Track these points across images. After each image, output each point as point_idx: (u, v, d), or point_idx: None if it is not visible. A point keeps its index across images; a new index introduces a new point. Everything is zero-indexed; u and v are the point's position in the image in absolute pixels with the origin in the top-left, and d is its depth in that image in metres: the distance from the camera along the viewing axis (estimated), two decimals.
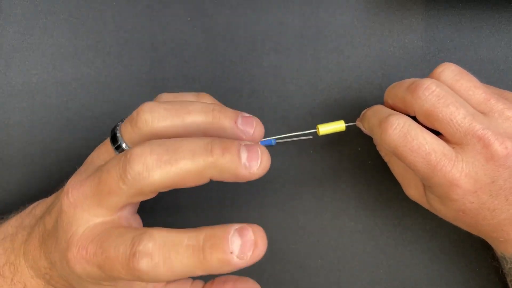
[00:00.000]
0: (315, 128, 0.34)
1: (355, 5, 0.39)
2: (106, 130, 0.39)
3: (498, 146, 0.27)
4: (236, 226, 0.22)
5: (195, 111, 0.25)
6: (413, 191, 0.33)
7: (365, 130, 0.35)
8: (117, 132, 0.26)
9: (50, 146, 0.39)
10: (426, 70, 0.39)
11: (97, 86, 0.39)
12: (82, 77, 0.39)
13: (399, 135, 0.28)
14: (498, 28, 0.39)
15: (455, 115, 0.28)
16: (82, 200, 0.24)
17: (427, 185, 0.30)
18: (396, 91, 0.31)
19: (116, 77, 0.39)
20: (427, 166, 0.28)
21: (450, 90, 0.29)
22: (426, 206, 0.33)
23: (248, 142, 0.23)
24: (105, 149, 0.28)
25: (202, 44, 0.39)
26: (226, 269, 0.22)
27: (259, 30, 0.39)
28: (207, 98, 0.29)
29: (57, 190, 0.32)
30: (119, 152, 0.26)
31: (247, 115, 0.26)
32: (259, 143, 0.25)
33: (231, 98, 0.37)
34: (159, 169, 0.22)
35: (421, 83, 0.29)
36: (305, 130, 0.39)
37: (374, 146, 0.39)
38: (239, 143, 0.22)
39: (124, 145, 0.26)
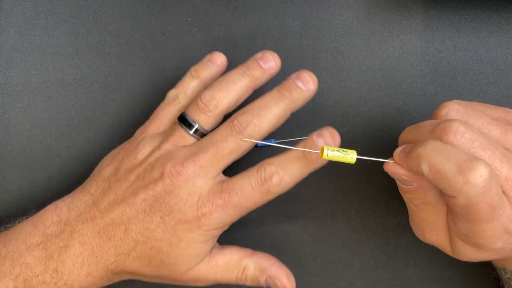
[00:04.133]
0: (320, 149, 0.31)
1: (355, 5, 0.39)
2: (106, 130, 0.39)
3: None
4: (315, 133, 0.31)
5: (235, 78, 0.32)
6: (435, 237, 0.30)
7: (399, 175, 0.28)
8: (189, 120, 0.32)
9: (50, 146, 0.39)
10: (425, 71, 0.39)
11: (97, 86, 0.39)
12: (82, 77, 0.39)
13: (485, 187, 0.24)
14: (498, 28, 0.39)
15: (493, 159, 0.26)
16: (199, 170, 0.30)
17: (470, 235, 0.27)
18: (417, 135, 0.28)
19: (116, 77, 0.39)
20: (490, 217, 0.25)
21: (477, 130, 0.27)
22: (445, 250, 0.30)
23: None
24: (180, 139, 0.32)
25: (202, 44, 0.39)
26: (324, 161, 0.31)
27: (259, 30, 0.39)
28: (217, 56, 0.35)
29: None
30: (197, 135, 0.32)
31: (259, 54, 0.33)
32: (259, 142, 0.34)
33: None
34: (265, 121, 0.31)
35: (448, 127, 0.26)
36: (305, 130, 0.39)
37: (373, 145, 0.39)
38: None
39: (201, 129, 0.32)
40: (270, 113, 0.31)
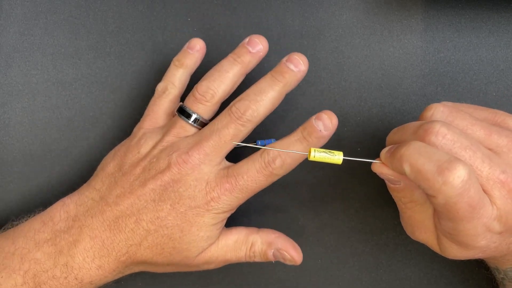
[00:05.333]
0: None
1: (355, 5, 0.39)
2: (106, 130, 0.39)
3: None
4: (314, 116, 0.32)
5: (227, 67, 0.33)
6: (424, 235, 0.31)
7: (385, 175, 0.30)
8: (188, 110, 0.33)
9: (50, 146, 0.39)
10: (425, 71, 0.39)
11: (97, 86, 0.39)
12: (82, 77, 0.39)
13: (463, 188, 0.24)
14: (498, 28, 0.39)
15: (474, 159, 0.26)
16: (204, 157, 0.32)
17: (453, 233, 0.28)
18: (402, 136, 0.29)
19: (116, 77, 0.39)
20: (471, 216, 0.26)
21: (459, 131, 0.27)
22: (433, 248, 0.31)
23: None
24: (181, 131, 0.33)
25: None
26: (323, 141, 0.32)
27: (259, 30, 0.39)
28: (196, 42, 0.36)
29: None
30: (198, 124, 0.34)
31: (246, 40, 0.34)
32: (259, 142, 0.38)
33: (231, 99, 0.37)
34: (262, 105, 0.32)
35: (430, 128, 0.27)
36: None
37: (373, 145, 0.39)
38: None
39: (201, 118, 0.33)
40: (266, 97, 0.32)
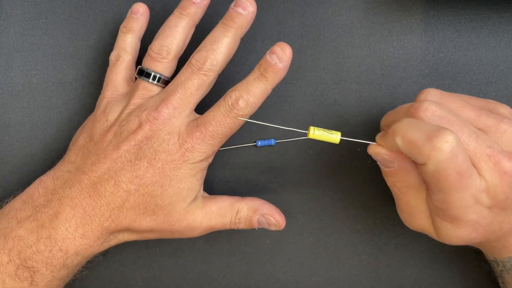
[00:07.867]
0: (308, 129, 0.33)
1: (355, 5, 0.39)
2: None
3: (507, 162, 0.27)
4: (268, 51, 0.32)
5: (176, 22, 0.34)
6: (421, 222, 0.31)
7: (380, 156, 0.30)
8: (147, 70, 0.34)
9: (50, 146, 0.39)
10: (425, 71, 0.39)
11: (97, 86, 0.39)
12: (82, 77, 0.39)
13: (451, 153, 0.25)
14: (498, 28, 0.39)
15: (461, 134, 0.28)
16: (173, 111, 0.32)
17: (442, 208, 0.28)
18: (394, 117, 0.31)
19: None
20: (459, 185, 0.26)
21: (448, 109, 0.28)
22: (431, 234, 0.31)
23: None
24: (144, 92, 0.34)
25: None
26: (280, 74, 0.32)
27: (259, 30, 0.39)
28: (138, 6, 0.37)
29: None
30: (160, 83, 0.34)
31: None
32: (259, 142, 0.38)
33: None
34: (220, 53, 0.33)
35: (420, 105, 0.28)
36: (305, 130, 0.39)
37: None
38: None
39: (162, 76, 0.34)
40: (222, 44, 0.33)
